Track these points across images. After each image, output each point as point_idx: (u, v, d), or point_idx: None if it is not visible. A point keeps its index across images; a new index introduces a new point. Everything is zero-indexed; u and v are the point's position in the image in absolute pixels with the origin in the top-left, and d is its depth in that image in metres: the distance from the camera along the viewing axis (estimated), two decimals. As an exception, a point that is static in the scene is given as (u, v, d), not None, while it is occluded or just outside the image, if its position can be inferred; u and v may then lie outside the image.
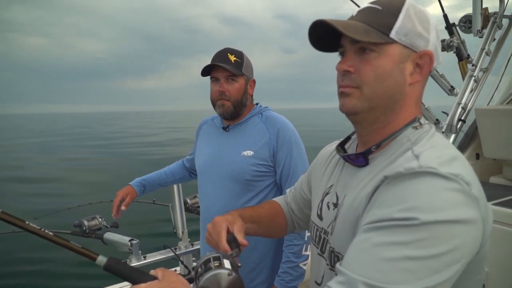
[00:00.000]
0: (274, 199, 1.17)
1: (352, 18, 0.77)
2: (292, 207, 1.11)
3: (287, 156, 1.54)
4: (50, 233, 0.78)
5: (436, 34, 0.76)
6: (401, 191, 0.63)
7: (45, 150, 20.30)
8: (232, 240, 0.89)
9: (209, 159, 1.65)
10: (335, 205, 0.83)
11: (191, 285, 0.78)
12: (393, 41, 0.72)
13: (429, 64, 0.75)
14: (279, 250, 1.59)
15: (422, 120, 0.77)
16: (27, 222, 0.77)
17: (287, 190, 1.17)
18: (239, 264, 0.82)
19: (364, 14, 0.75)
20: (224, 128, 1.65)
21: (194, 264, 0.78)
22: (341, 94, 0.77)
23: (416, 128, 0.75)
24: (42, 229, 0.78)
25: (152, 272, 0.78)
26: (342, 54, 0.78)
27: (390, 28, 0.72)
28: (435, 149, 0.69)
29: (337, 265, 0.65)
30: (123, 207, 1.81)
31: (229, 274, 0.77)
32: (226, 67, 1.52)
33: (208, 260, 0.80)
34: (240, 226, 0.93)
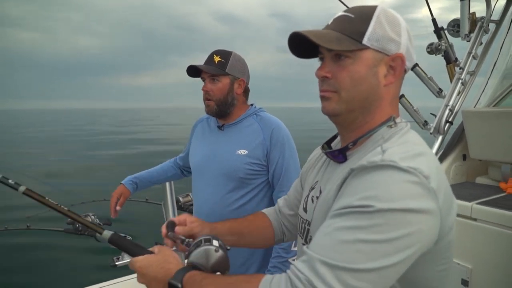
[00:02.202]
0: (263, 210, 1.21)
1: (327, 26, 0.82)
2: (285, 212, 1.14)
3: (280, 156, 1.58)
4: (65, 208, 0.93)
5: (408, 36, 0.81)
6: (362, 182, 0.69)
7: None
8: (170, 225, 1.00)
9: (204, 157, 1.68)
10: (318, 198, 0.88)
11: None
12: (366, 47, 0.77)
13: (401, 65, 0.80)
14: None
15: (398, 119, 0.83)
16: (47, 198, 0.92)
17: (279, 200, 1.20)
18: (228, 247, 0.89)
19: (338, 22, 0.81)
20: (219, 127, 1.69)
21: (186, 261, 0.88)
22: (322, 98, 0.83)
23: (390, 126, 0.81)
24: (59, 205, 0.93)
25: (150, 248, 0.89)
26: (321, 59, 0.84)
27: (362, 35, 0.77)
28: (404, 145, 0.74)
29: (304, 247, 0.72)
30: (117, 207, 1.87)
31: (216, 250, 0.84)
32: (202, 68, 1.57)
33: (200, 241, 0.87)
34: (192, 226, 1.03)
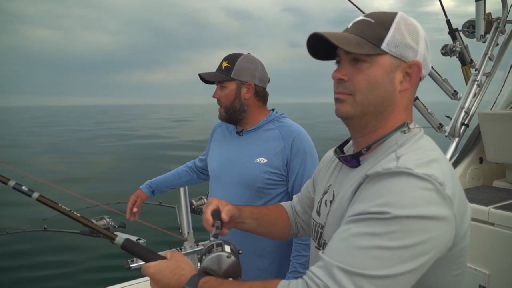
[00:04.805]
0: (282, 203, 1.23)
1: (347, 30, 0.83)
2: (297, 209, 1.16)
3: (301, 166, 1.52)
4: (78, 214, 0.95)
5: (425, 45, 0.81)
6: (378, 188, 0.69)
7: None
8: (215, 213, 1.00)
9: (222, 163, 1.64)
10: (331, 202, 0.89)
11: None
12: (384, 52, 0.78)
13: (417, 73, 0.80)
14: (285, 259, 1.58)
15: (412, 125, 0.83)
16: (59, 205, 0.94)
17: (294, 196, 1.21)
18: (240, 252, 0.91)
19: (358, 26, 0.81)
20: (238, 133, 1.64)
21: (199, 264, 0.91)
22: (336, 100, 0.84)
23: (404, 132, 0.81)
24: (72, 211, 0.94)
25: (162, 253, 0.90)
26: (338, 62, 0.84)
27: (381, 40, 0.78)
28: (418, 151, 0.75)
29: (320, 252, 0.72)
30: (134, 209, 1.93)
31: (228, 257, 0.86)
32: (205, 76, 1.58)
33: (212, 246, 0.89)
34: (229, 208, 1.03)
